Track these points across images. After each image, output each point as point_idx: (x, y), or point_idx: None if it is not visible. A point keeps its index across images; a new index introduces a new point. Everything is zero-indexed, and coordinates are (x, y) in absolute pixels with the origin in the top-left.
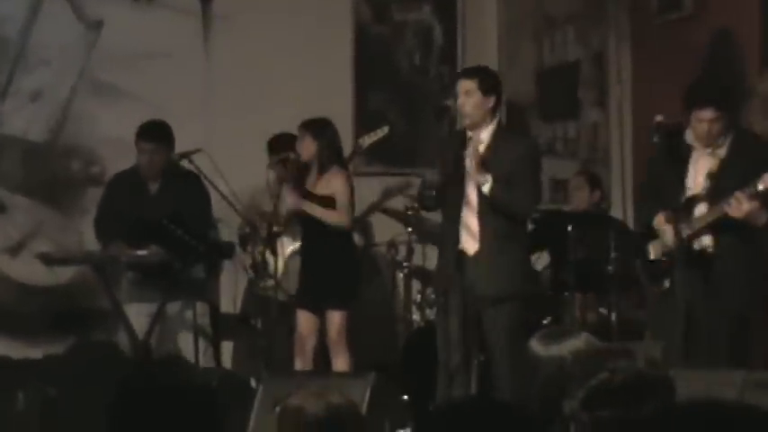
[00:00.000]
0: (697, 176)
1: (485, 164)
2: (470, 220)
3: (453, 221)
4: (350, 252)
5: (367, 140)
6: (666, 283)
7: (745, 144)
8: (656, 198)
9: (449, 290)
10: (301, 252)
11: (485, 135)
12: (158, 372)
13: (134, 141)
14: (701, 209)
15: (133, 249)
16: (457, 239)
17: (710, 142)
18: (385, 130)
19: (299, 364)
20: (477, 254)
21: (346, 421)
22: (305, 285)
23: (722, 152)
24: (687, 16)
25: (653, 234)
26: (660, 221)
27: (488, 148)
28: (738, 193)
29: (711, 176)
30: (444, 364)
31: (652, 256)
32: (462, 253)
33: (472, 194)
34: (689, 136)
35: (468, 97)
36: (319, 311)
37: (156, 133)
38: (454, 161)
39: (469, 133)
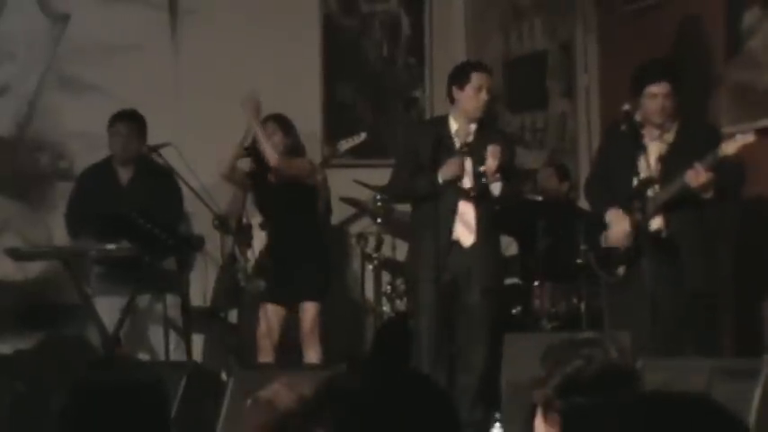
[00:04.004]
0: (648, 162)
1: (500, 167)
2: (467, 211)
3: (445, 211)
4: (321, 243)
5: (345, 145)
6: (621, 271)
7: (692, 127)
8: (605, 188)
9: (437, 278)
10: (272, 246)
11: (473, 126)
12: (105, 371)
13: (107, 128)
14: (653, 192)
15: (102, 244)
16: (449, 229)
17: (663, 119)
18: (362, 136)
19: (261, 359)
20: (475, 244)
21: None
22: (278, 279)
23: (670, 137)
24: (653, 5)
25: (604, 224)
26: (613, 213)
27: (475, 138)
28: (697, 164)
29: (662, 160)
30: (431, 349)
31: (604, 245)
32: (455, 243)
33: (467, 185)
34: (638, 119)
35: (488, 93)
36: (292, 305)
37: (131, 116)
38: (433, 148)
39: (455, 124)
